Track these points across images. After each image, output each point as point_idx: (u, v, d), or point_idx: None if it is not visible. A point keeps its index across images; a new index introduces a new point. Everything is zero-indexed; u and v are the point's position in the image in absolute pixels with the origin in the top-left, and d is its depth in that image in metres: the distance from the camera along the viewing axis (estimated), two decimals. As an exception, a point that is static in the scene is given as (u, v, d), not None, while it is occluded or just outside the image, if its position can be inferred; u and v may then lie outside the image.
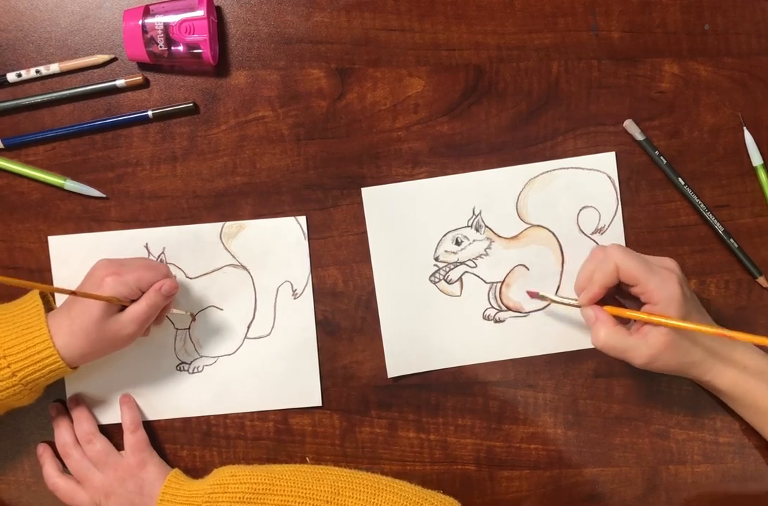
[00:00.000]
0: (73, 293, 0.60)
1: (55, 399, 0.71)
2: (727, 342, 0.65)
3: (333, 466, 0.69)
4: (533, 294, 0.69)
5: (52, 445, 0.70)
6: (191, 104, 0.69)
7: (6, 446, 0.71)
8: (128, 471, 0.68)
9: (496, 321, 0.71)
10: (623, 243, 0.70)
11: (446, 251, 0.71)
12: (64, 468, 0.70)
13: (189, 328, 0.71)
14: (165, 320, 0.70)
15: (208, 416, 0.71)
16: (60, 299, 0.70)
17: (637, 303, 0.64)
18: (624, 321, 0.64)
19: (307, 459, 0.71)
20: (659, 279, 0.61)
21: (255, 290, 0.71)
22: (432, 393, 0.71)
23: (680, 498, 0.72)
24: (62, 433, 0.70)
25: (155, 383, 0.71)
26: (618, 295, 0.66)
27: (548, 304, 0.70)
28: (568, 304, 0.66)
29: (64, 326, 0.63)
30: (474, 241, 0.70)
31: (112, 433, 0.71)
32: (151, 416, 0.71)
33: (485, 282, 0.71)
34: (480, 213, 0.70)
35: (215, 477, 0.67)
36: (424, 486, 0.71)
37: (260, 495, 0.64)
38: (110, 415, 0.71)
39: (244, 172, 0.70)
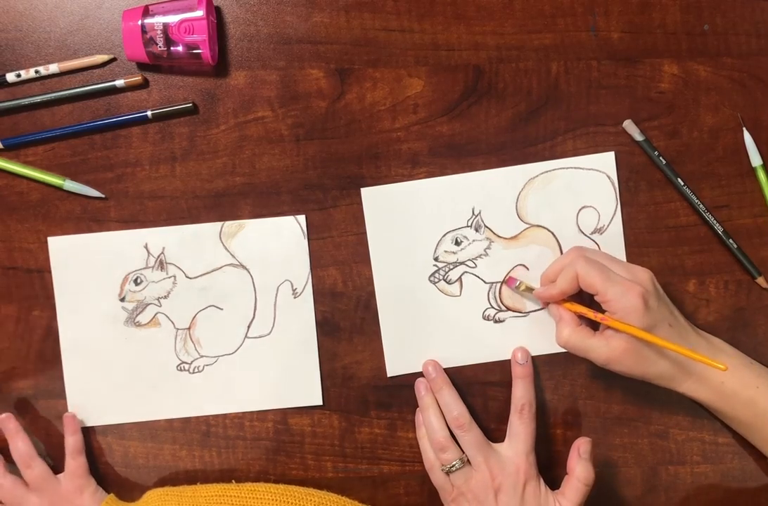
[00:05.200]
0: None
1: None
2: (709, 352, 0.65)
3: (262, 484, 0.69)
4: (511, 281, 0.70)
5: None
6: (190, 104, 0.69)
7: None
8: (64, 497, 0.68)
9: (495, 321, 0.71)
10: (622, 243, 0.70)
11: (446, 251, 0.71)
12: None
13: (189, 328, 0.71)
14: (164, 320, 0.71)
15: (208, 416, 0.71)
16: (59, 300, 0.70)
17: None
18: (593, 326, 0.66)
19: (233, 480, 0.70)
20: (618, 289, 0.62)
21: (255, 289, 0.71)
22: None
23: (679, 499, 0.72)
24: None
25: (155, 383, 0.71)
26: None
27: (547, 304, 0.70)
28: (531, 290, 0.68)
29: None
30: (473, 241, 0.70)
31: (109, 431, 0.71)
32: (152, 416, 0.71)
33: (485, 282, 0.71)
34: (479, 213, 0.70)
35: None
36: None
37: None
38: (110, 416, 0.71)
39: (243, 172, 0.70)
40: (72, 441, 0.69)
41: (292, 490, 0.67)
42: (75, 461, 0.69)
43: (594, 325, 0.66)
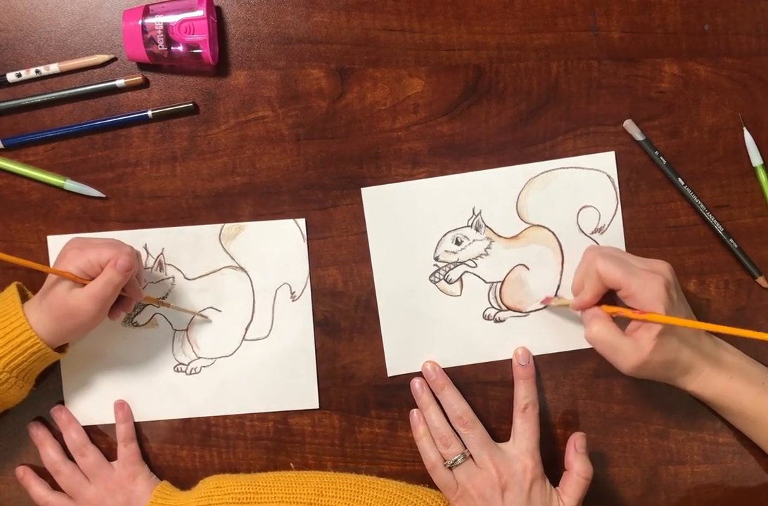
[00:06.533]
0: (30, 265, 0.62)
1: (35, 417, 0.71)
2: (715, 349, 0.65)
3: (318, 471, 0.71)
4: (547, 300, 0.70)
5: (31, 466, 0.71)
6: (191, 104, 0.69)
7: (6, 446, 0.71)
8: (118, 483, 0.68)
9: (496, 321, 0.71)
10: (623, 243, 0.70)
11: (446, 251, 0.71)
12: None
13: (187, 329, 0.71)
14: (162, 321, 0.70)
15: (208, 416, 0.71)
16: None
17: None
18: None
19: (291, 465, 0.71)
20: (641, 281, 0.61)
21: (253, 292, 0.71)
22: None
23: (679, 499, 0.72)
24: (49, 451, 0.69)
25: (153, 383, 0.71)
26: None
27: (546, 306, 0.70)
28: (567, 305, 0.67)
29: (35, 305, 0.63)
30: (474, 240, 0.70)
31: (108, 431, 0.71)
32: (149, 416, 0.71)
33: (485, 281, 0.71)
34: (480, 213, 0.70)
35: (201, 490, 0.67)
36: (424, 485, 0.71)
37: (245, 505, 0.65)
38: (108, 416, 0.71)
39: (243, 172, 0.70)
40: (123, 429, 0.70)
41: (351, 475, 0.69)
42: (127, 448, 0.70)
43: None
